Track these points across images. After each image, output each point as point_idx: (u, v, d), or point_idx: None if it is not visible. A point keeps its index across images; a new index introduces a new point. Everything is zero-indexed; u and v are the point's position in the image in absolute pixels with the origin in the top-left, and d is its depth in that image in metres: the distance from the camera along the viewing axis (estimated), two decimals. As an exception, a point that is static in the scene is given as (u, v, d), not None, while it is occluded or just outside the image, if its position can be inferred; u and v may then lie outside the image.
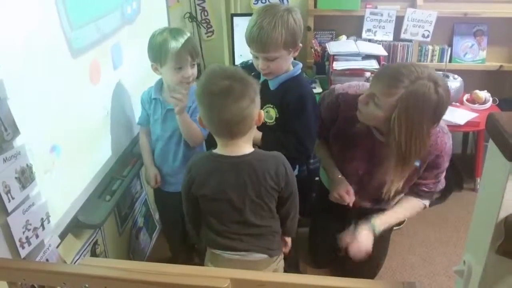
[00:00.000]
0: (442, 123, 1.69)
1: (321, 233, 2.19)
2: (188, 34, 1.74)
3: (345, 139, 1.83)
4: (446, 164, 1.80)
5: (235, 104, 1.24)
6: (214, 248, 1.44)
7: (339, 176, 1.87)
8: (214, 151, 1.38)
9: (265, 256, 1.43)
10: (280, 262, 1.54)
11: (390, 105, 1.51)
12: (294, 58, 1.70)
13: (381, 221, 1.84)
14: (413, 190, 1.88)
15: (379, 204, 1.91)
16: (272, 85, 1.67)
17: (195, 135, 1.73)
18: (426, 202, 1.91)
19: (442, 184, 1.90)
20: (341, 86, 1.84)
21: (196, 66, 1.75)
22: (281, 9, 1.57)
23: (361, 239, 1.77)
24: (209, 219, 1.42)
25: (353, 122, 1.71)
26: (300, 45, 1.65)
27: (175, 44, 1.66)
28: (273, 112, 1.67)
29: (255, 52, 1.62)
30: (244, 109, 1.26)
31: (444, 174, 1.86)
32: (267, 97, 1.60)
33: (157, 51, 1.67)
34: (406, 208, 1.91)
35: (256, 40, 1.57)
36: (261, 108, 1.55)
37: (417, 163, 1.69)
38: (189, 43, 1.70)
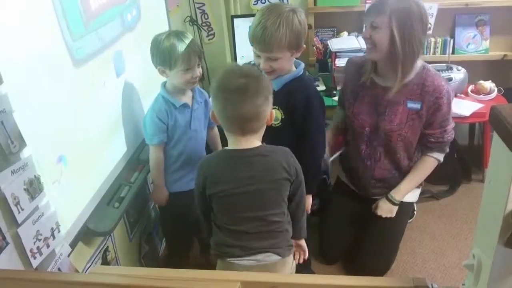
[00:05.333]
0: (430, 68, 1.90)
1: (333, 230, 2.20)
2: (190, 36, 1.81)
3: (352, 94, 2.00)
4: (448, 107, 1.88)
5: (250, 101, 1.29)
6: (227, 256, 1.42)
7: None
8: (226, 148, 1.41)
9: (279, 257, 1.43)
10: (293, 264, 1.54)
11: (386, 23, 1.73)
12: (296, 58, 1.70)
13: (400, 190, 2.00)
14: (422, 143, 1.96)
15: (393, 170, 2.02)
16: (276, 86, 1.66)
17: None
18: (438, 156, 1.98)
19: (449, 134, 1.95)
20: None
21: (201, 65, 1.85)
22: (285, 9, 1.56)
23: (382, 209, 2.02)
24: (223, 219, 1.42)
25: (359, 78, 1.95)
26: (304, 46, 1.65)
27: (183, 48, 1.74)
28: (278, 114, 1.67)
29: (258, 51, 1.62)
30: (258, 106, 1.30)
31: (450, 123, 1.94)
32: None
33: (166, 56, 1.74)
34: (418, 168, 2.01)
35: (259, 40, 1.57)
36: None
37: (417, 105, 1.85)
38: (194, 45, 1.79)
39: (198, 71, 1.82)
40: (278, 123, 1.68)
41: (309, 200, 1.74)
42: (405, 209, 2.11)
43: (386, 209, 2.01)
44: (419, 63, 1.86)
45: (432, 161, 1.99)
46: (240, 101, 1.29)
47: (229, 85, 1.31)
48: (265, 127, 1.40)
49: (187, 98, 1.90)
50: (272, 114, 1.38)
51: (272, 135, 1.52)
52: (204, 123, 1.98)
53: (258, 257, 1.41)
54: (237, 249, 1.41)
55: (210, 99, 1.38)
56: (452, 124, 1.96)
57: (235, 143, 1.38)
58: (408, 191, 2.02)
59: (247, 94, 1.29)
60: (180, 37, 1.76)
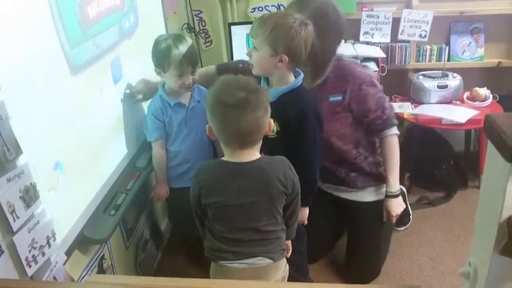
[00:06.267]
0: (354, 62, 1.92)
1: (314, 228, 2.18)
2: (190, 42, 1.84)
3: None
4: (374, 89, 1.85)
5: (251, 115, 1.27)
6: (220, 259, 1.44)
7: None
8: (223, 159, 1.39)
9: (271, 261, 1.43)
10: (286, 267, 1.54)
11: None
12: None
13: (390, 183, 1.94)
14: (371, 129, 1.92)
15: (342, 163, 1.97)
16: (272, 96, 1.60)
17: None
18: (392, 131, 1.92)
19: (389, 109, 1.91)
20: None
21: (196, 72, 1.87)
22: (297, 20, 1.54)
23: (392, 207, 1.96)
24: (217, 227, 1.42)
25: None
26: (286, 58, 1.56)
27: (178, 54, 1.76)
28: (274, 126, 1.64)
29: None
30: (259, 118, 1.29)
31: (385, 100, 1.89)
32: None
33: (161, 58, 1.79)
34: (387, 154, 1.94)
35: (253, 24, 1.59)
36: None
37: (339, 97, 1.84)
38: (190, 52, 1.81)
39: (191, 79, 1.84)
40: (274, 135, 1.64)
41: (305, 212, 1.73)
42: (370, 213, 2.04)
43: (395, 205, 1.96)
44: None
45: (391, 139, 1.92)
46: (241, 116, 1.26)
47: (228, 99, 1.27)
48: (262, 136, 1.39)
49: (184, 97, 1.93)
50: (270, 123, 1.36)
51: (268, 146, 1.51)
52: (204, 121, 1.97)
53: (250, 261, 1.41)
54: (230, 254, 1.41)
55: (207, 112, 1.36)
56: (387, 100, 1.92)
57: (232, 156, 1.36)
58: (397, 177, 1.96)
59: (247, 109, 1.26)
60: (177, 42, 1.79)
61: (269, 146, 1.60)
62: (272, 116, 1.57)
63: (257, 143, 1.36)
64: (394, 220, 1.99)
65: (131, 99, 1.91)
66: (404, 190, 2.52)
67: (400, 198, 1.98)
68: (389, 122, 1.90)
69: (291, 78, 1.64)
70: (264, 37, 1.54)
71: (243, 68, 2.06)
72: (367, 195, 2.04)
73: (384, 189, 2.01)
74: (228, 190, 1.36)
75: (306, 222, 1.75)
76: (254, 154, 1.37)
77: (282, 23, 1.53)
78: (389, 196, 1.97)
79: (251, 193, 1.35)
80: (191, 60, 1.81)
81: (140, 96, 1.95)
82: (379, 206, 2.01)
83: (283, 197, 1.39)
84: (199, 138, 1.96)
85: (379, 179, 2.01)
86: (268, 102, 1.33)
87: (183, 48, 1.78)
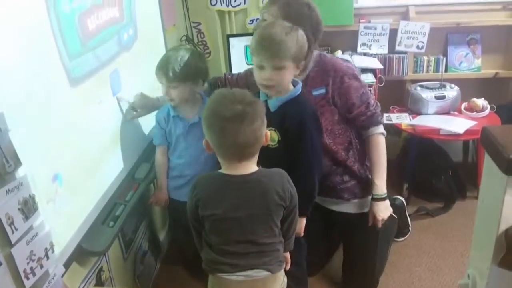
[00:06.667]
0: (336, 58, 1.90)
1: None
2: (180, 55, 1.82)
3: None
4: (357, 82, 1.81)
5: (249, 128, 1.26)
6: (218, 271, 1.43)
7: None
8: (221, 171, 1.38)
9: (268, 273, 1.43)
10: (284, 279, 1.54)
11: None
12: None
13: (376, 185, 1.86)
14: (357, 125, 1.86)
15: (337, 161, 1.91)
16: (273, 106, 1.63)
17: None
18: (378, 129, 1.85)
19: (374, 106, 1.85)
20: None
21: (181, 88, 1.83)
22: (287, 25, 1.55)
23: (377, 211, 1.87)
24: (214, 239, 1.41)
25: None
26: (303, 63, 1.61)
27: (159, 63, 1.82)
28: (275, 135, 1.64)
29: (263, 60, 1.54)
30: (257, 130, 1.29)
31: (369, 96, 1.85)
32: (268, 119, 1.59)
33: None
34: (373, 153, 1.87)
35: (268, 46, 1.50)
36: None
37: (322, 90, 1.79)
38: (166, 65, 1.80)
39: (171, 92, 1.83)
40: (275, 144, 1.65)
41: (302, 222, 1.70)
42: (360, 224, 1.97)
43: (380, 209, 1.87)
44: (315, 53, 1.83)
45: (376, 138, 1.86)
46: (239, 129, 1.26)
47: (225, 113, 1.26)
48: (260, 148, 1.37)
49: (187, 111, 1.93)
50: (267, 134, 1.36)
51: (269, 156, 1.51)
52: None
53: (247, 273, 1.41)
54: (227, 266, 1.41)
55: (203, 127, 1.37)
56: (373, 97, 1.89)
57: (230, 169, 1.36)
58: (384, 179, 1.88)
59: (245, 122, 1.25)
60: (169, 54, 1.84)
61: (270, 156, 1.60)
62: (273, 126, 1.58)
63: (255, 155, 1.36)
64: (379, 224, 1.89)
65: (131, 113, 1.92)
66: (403, 200, 2.53)
67: (387, 201, 1.89)
68: (375, 120, 1.84)
69: (291, 86, 1.65)
70: (292, 53, 1.52)
71: (232, 79, 2.09)
72: (354, 207, 1.97)
73: (365, 202, 1.95)
74: (225, 202, 1.35)
75: (302, 233, 1.73)
76: (251, 166, 1.36)
77: (294, 34, 1.53)
78: (375, 199, 1.87)
79: (248, 205, 1.35)
80: (165, 72, 1.79)
81: (139, 111, 1.95)
82: (366, 219, 1.94)
83: (280, 209, 1.38)
84: (196, 155, 1.94)
85: (368, 190, 1.92)
86: (264, 114, 1.33)
87: (167, 59, 1.81)
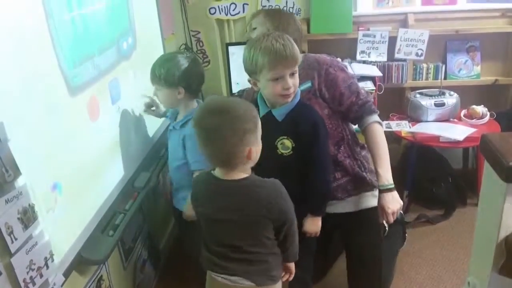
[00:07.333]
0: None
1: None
2: (184, 63, 1.80)
3: None
4: (343, 72, 1.80)
5: (222, 141, 1.27)
6: (208, 268, 1.46)
7: None
8: (213, 172, 1.40)
9: (252, 284, 1.41)
10: None
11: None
12: None
13: (380, 175, 1.78)
14: (351, 118, 1.83)
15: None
16: (279, 115, 1.61)
17: None
18: (373, 118, 1.81)
19: (365, 95, 1.82)
20: None
21: (164, 92, 1.82)
22: (279, 32, 1.57)
23: (385, 203, 1.76)
24: (206, 237, 1.46)
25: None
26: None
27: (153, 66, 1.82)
28: (288, 143, 1.61)
29: (281, 71, 1.52)
30: (232, 146, 1.28)
31: (358, 86, 1.82)
32: (277, 129, 1.59)
33: None
34: (371, 143, 1.81)
35: (285, 56, 1.50)
36: (275, 141, 1.58)
37: (308, 84, 1.76)
38: (154, 66, 1.80)
39: (158, 96, 1.87)
40: (289, 152, 1.61)
41: (318, 222, 1.67)
42: (358, 224, 1.90)
43: (389, 200, 1.76)
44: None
45: (373, 127, 1.81)
46: (213, 140, 1.28)
47: (202, 123, 1.29)
48: (250, 161, 1.34)
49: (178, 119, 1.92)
50: (250, 152, 1.31)
51: (283, 164, 1.50)
52: (179, 148, 1.87)
53: (234, 278, 1.41)
54: (217, 267, 1.43)
55: None
56: (360, 87, 1.85)
57: (218, 172, 1.38)
58: (388, 169, 1.80)
59: (218, 135, 1.27)
60: (170, 56, 1.86)
61: (285, 164, 1.59)
62: (284, 134, 1.58)
63: (238, 167, 1.34)
64: (391, 218, 1.76)
65: (148, 109, 1.99)
66: (405, 232, 2.43)
67: (395, 192, 1.77)
68: (367, 109, 1.80)
69: None
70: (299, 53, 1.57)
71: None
72: (350, 205, 1.89)
73: (368, 198, 1.88)
74: (213, 203, 1.39)
75: (318, 233, 1.69)
76: (239, 174, 1.35)
77: (290, 38, 1.55)
78: (382, 190, 1.77)
79: (233, 211, 1.35)
80: (152, 76, 1.81)
81: (155, 109, 2.02)
82: (364, 216, 1.87)
83: (266, 221, 1.36)
84: (170, 162, 1.95)
85: (362, 185, 1.87)
86: (247, 131, 1.29)
87: (167, 62, 1.81)
